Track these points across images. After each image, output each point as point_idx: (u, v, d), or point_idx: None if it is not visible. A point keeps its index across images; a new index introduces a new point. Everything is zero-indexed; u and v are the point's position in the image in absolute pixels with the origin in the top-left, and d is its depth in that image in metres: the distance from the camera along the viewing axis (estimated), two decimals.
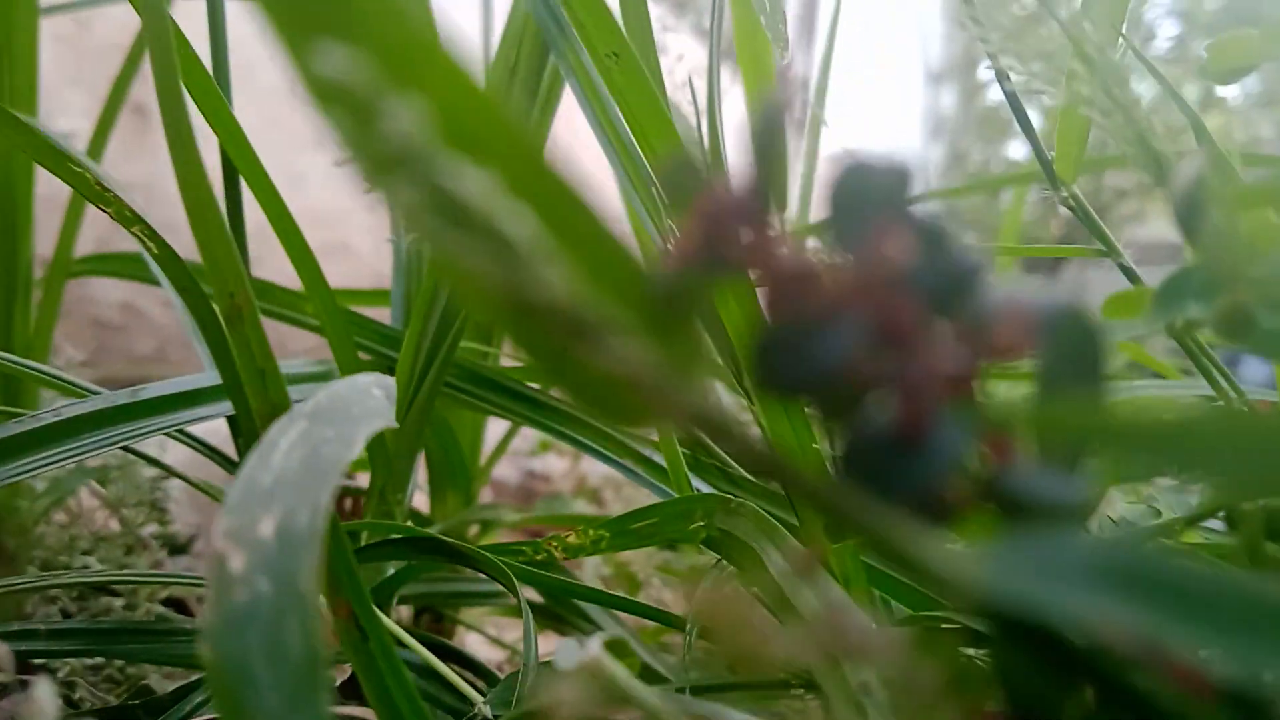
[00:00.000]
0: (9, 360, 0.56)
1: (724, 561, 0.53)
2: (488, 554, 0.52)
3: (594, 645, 0.28)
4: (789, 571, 0.41)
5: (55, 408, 0.50)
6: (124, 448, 0.53)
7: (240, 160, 0.55)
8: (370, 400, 0.32)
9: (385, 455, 0.60)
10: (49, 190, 0.78)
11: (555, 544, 0.56)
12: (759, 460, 0.17)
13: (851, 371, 0.15)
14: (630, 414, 0.18)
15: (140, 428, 0.51)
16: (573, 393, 0.17)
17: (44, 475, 0.82)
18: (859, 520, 0.17)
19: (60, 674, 0.69)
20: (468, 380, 0.65)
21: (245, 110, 0.55)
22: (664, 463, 0.60)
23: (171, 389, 0.54)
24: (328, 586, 0.31)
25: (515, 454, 1.72)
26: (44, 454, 0.48)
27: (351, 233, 2.30)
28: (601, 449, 0.62)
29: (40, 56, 0.74)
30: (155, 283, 0.70)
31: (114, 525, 0.84)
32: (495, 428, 0.90)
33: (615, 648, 0.28)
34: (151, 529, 0.83)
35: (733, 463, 0.63)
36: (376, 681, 0.32)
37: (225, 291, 0.33)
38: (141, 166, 1.18)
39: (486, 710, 0.47)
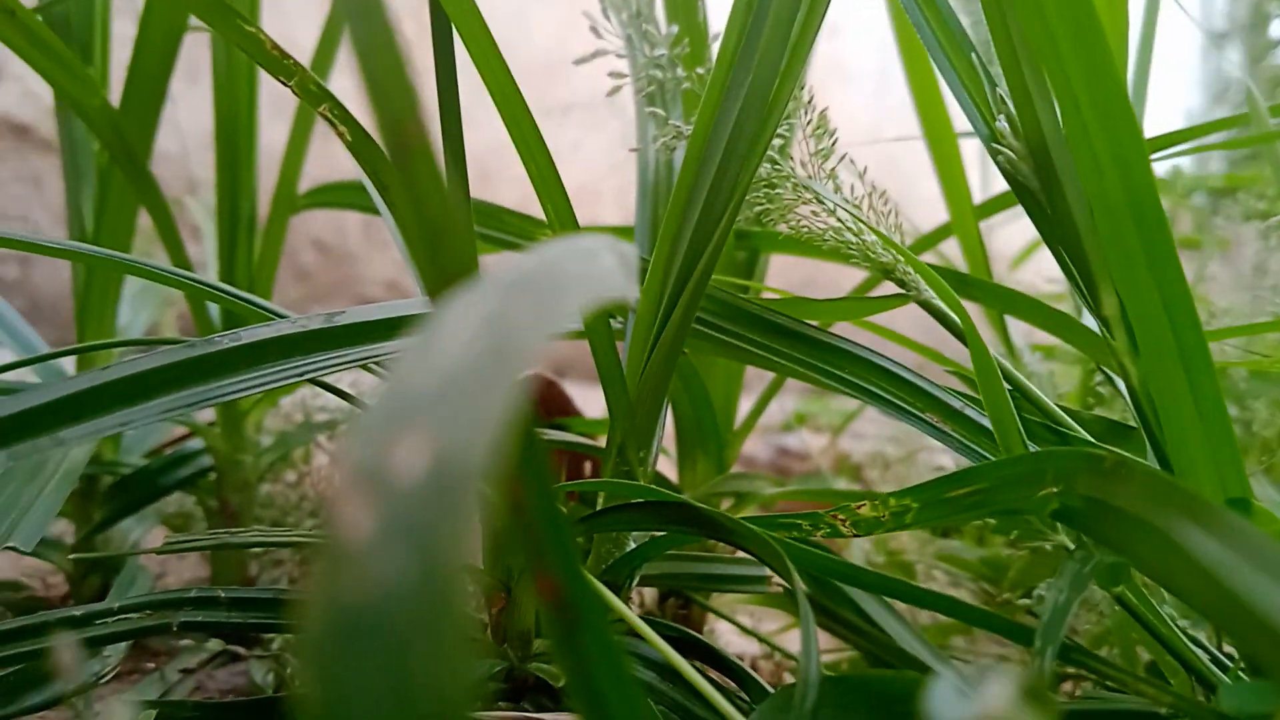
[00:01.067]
0: (200, 283, 0.48)
1: (1088, 546, 0.38)
2: (754, 528, 0.40)
3: (1000, 691, 0.15)
4: (1232, 564, 0.26)
5: (235, 331, 0.42)
6: (316, 382, 0.44)
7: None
8: (595, 266, 0.21)
9: (626, 404, 0.49)
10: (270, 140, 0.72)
11: (843, 517, 0.43)
12: None
13: None
14: None
15: (335, 358, 0.42)
16: None
17: (270, 430, 0.77)
18: None
19: (273, 646, 0.62)
20: (724, 317, 0.53)
21: None
22: (983, 419, 0.46)
23: (374, 314, 0.44)
24: (529, 551, 0.20)
25: (766, 429, 1.59)
26: (216, 384, 0.39)
27: (602, 209, 2.25)
28: (896, 398, 0.48)
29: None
30: (376, 210, 0.62)
31: None
32: (746, 399, 0.77)
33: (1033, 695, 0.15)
34: None
35: (1074, 424, 0.48)
36: (589, 690, 0.20)
37: (392, 123, 0.21)
38: None
39: None
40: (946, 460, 1.03)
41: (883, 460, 1.12)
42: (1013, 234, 1.09)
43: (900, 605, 0.55)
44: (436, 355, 0.16)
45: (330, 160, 0.79)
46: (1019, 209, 0.66)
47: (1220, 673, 0.40)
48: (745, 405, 0.79)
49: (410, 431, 0.14)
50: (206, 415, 0.73)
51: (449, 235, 0.20)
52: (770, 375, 0.78)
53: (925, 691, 0.31)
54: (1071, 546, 0.41)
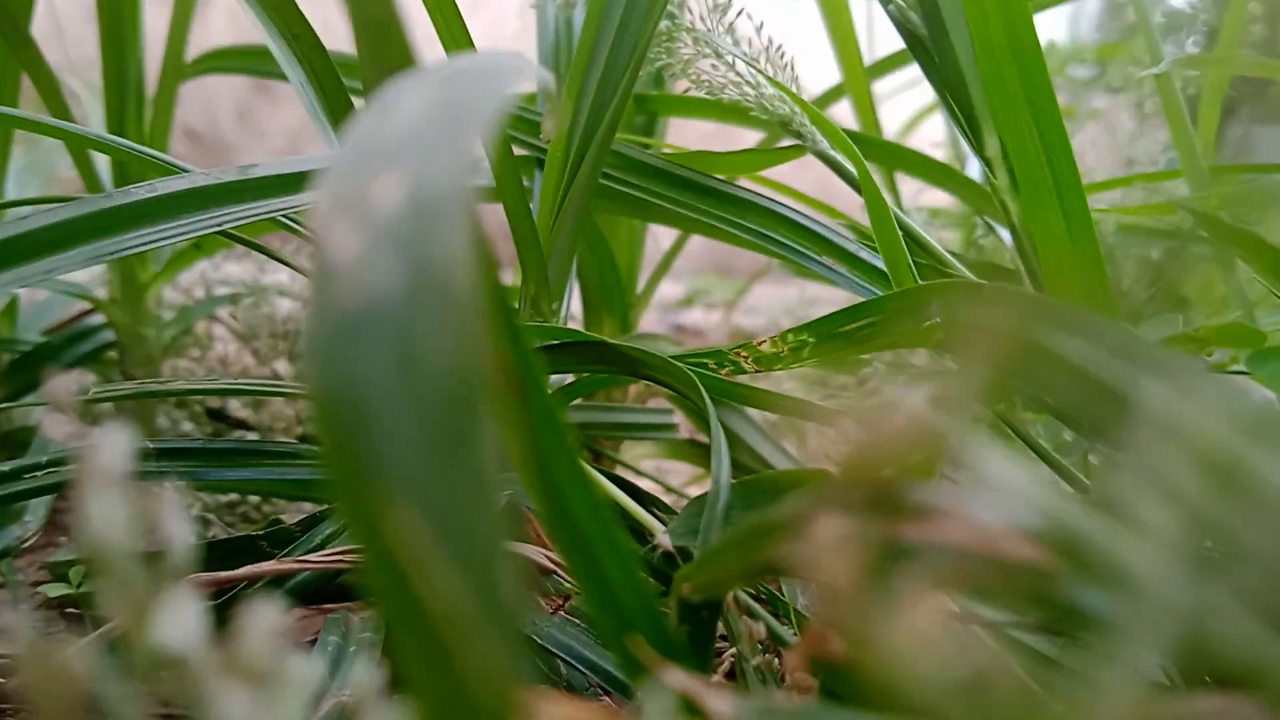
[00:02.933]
0: (115, 143, 0.48)
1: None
2: (668, 359, 0.42)
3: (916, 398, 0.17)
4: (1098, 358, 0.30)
5: (150, 183, 0.42)
6: (229, 235, 0.45)
7: None
8: (520, 63, 0.22)
9: (538, 257, 0.50)
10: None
11: (745, 354, 0.46)
12: None
13: None
14: None
15: (250, 209, 0.43)
16: None
17: (171, 305, 0.76)
18: None
19: (193, 510, 0.63)
20: (631, 171, 0.54)
21: None
22: (876, 260, 0.49)
23: (288, 167, 0.45)
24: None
25: (663, 306, 1.62)
26: (134, 234, 0.39)
27: None
28: (797, 244, 0.51)
29: None
30: (276, 75, 0.61)
31: (247, 359, 0.78)
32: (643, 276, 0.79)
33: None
34: (283, 365, 0.76)
35: (961, 267, 0.51)
36: (537, 456, 0.22)
37: None
38: None
39: (667, 541, 0.37)
40: None
41: (777, 331, 1.16)
42: (901, 108, 1.12)
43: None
44: (395, 115, 0.17)
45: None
46: (906, 75, 0.68)
47: None
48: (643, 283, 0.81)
49: (383, 171, 0.15)
50: (105, 291, 0.72)
51: (391, 27, 0.22)
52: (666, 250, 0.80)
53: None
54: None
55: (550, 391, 0.50)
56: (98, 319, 0.71)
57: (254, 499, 0.64)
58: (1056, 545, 0.20)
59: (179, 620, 0.16)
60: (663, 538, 0.37)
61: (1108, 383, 0.29)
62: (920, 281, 0.46)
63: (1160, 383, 0.27)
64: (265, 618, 0.17)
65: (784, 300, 1.39)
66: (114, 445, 0.18)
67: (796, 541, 0.21)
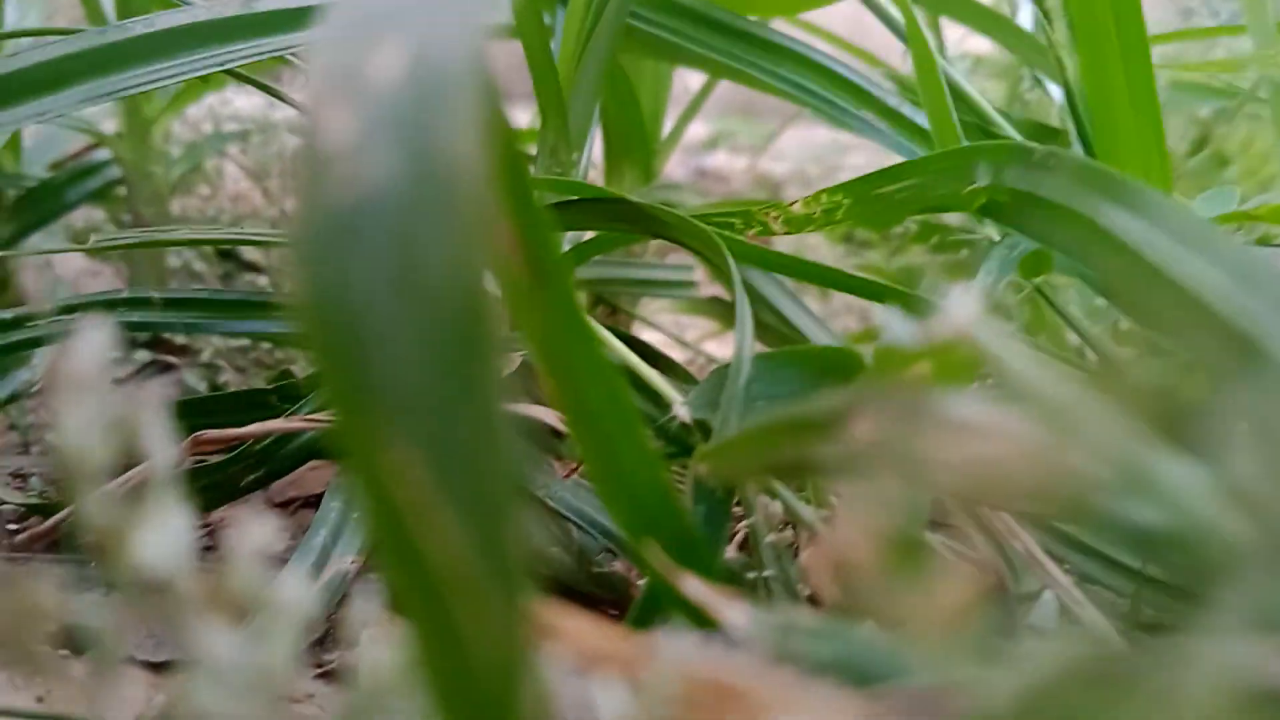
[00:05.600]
0: None
1: (1014, 235, 0.39)
2: (691, 220, 0.40)
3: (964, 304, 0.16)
4: (1153, 239, 0.28)
5: (148, 18, 0.39)
6: (234, 73, 0.42)
7: None
8: None
9: (558, 101, 0.47)
10: None
11: (776, 214, 0.44)
12: None
13: None
14: None
15: (254, 47, 0.40)
16: None
17: (179, 141, 0.74)
18: None
19: (204, 355, 0.62)
20: (659, 10, 0.51)
21: None
22: (917, 116, 0.46)
23: (292, 1, 0.42)
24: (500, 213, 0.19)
25: (686, 149, 1.58)
26: (132, 72, 0.37)
27: None
28: (837, 98, 0.48)
29: None
30: None
31: (258, 198, 0.76)
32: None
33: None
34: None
35: (1007, 125, 0.48)
36: (558, 353, 0.21)
37: None
38: None
39: (685, 413, 0.36)
40: None
41: (803, 179, 1.13)
42: None
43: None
44: None
45: None
46: None
47: None
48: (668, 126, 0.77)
49: (383, 38, 0.13)
50: (111, 125, 0.70)
51: None
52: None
53: (854, 358, 0.32)
54: (997, 239, 0.42)
55: (566, 250, 0.48)
56: (104, 154, 0.69)
57: (266, 344, 0.63)
58: (1091, 457, 0.19)
59: (164, 538, 0.15)
60: (681, 409, 0.36)
61: (1161, 267, 0.27)
62: (965, 141, 0.43)
63: (1216, 269, 0.25)
64: (254, 536, 0.16)
65: (812, 145, 1.35)
66: (91, 344, 0.17)
67: (827, 443, 0.20)
